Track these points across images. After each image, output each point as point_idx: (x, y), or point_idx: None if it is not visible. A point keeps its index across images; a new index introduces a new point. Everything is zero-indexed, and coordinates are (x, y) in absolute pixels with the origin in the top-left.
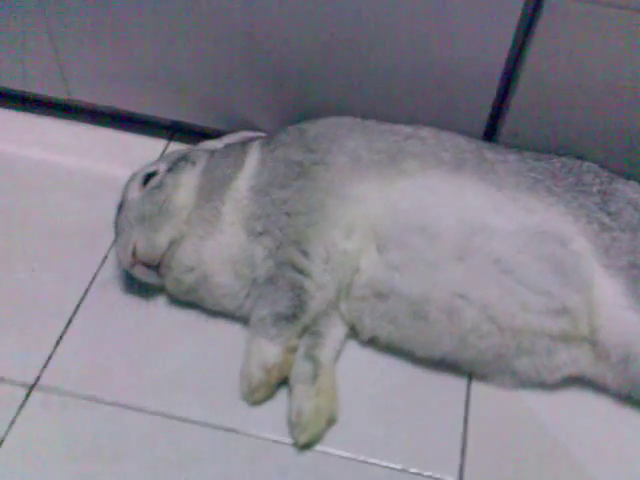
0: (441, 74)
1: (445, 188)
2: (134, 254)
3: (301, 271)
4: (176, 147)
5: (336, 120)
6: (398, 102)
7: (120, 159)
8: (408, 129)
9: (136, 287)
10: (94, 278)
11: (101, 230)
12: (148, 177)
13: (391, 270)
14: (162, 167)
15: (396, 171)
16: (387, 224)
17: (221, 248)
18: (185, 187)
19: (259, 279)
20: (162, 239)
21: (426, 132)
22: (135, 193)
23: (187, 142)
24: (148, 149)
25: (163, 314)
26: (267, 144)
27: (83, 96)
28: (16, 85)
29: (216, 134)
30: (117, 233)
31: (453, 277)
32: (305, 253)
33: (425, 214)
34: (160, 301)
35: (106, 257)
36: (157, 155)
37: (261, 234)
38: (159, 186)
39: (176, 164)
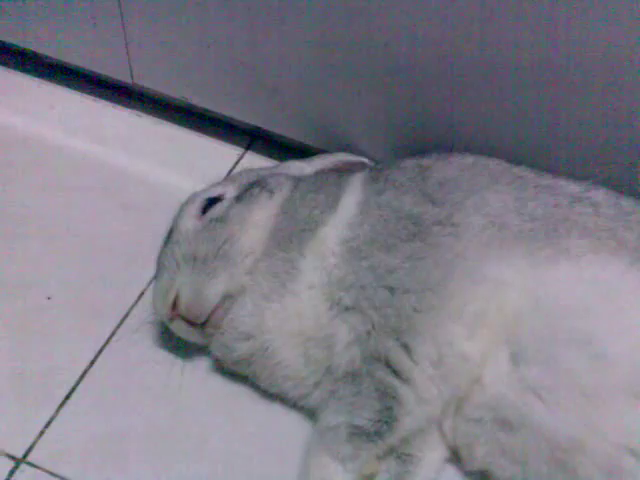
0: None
1: (627, 288)
2: (175, 305)
3: (398, 373)
4: (253, 160)
5: (475, 161)
6: (561, 146)
7: (182, 164)
8: (575, 187)
9: (174, 341)
10: (123, 319)
11: (144, 253)
12: (210, 203)
13: (529, 392)
14: (230, 191)
15: (554, 249)
16: (532, 325)
17: (291, 316)
18: (256, 225)
19: (337, 370)
20: (215, 290)
21: (601, 196)
22: (190, 222)
23: (267, 155)
24: (218, 156)
25: (201, 384)
26: (373, 181)
27: (148, 83)
28: (83, 63)
29: (303, 151)
30: (158, 270)
31: (624, 423)
32: (408, 349)
33: (593, 321)
34: (201, 364)
35: (143, 293)
36: (229, 166)
37: (349, 310)
38: (222, 219)
39: (248, 191)
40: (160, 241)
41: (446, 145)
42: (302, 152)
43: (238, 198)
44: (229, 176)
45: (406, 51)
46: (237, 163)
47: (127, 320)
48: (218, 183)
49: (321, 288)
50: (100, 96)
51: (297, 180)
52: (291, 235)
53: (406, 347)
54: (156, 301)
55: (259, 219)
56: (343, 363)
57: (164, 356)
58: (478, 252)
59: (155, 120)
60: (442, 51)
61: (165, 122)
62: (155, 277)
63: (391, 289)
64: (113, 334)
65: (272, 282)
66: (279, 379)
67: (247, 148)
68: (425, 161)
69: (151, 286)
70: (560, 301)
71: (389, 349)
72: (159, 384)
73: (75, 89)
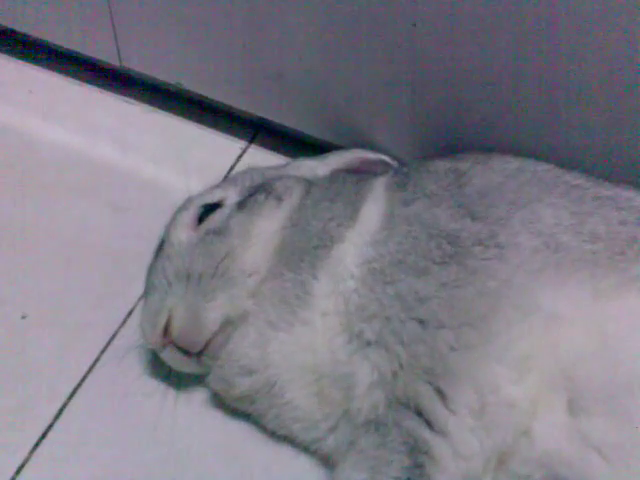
0: None
1: None
2: (167, 330)
3: (431, 424)
4: (257, 155)
5: (520, 166)
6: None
7: (178, 159)
8: None
9: (166, 369)
10: (109, 342)
11: (134, 264)
12: (207, 210)
13: (589, 449)
14: (231, 196)
15: (622, 277)
16: (594, 368)
17: (301, 349)
18: (260, 239)
19: (356, 416)
20: (213, 315)
21: None
22: (184, 233)
23: (273, 149)
24: (219, 150)
25: (197, 420)
26: (399, 188)
27: (137, 66)
28: (65, 42)
29: (314, 146)
30: (147, 289)
31: None
32: (443, 395)
33: None
34: (197, 396)
35: (132, 311)
36: (230, 161)
37: (371, 345)
38: (221, 230)
39: (252, 197)
40: (151, 249)
41: (480, 142)
42: (313, 147)
43: (240, 205)
44: (230, 177)
45: (437, 31)
46: (240, 158)
47: (113, 343)
48: (217, 186)
49: (337, 317)
50: (85, 80)
51: (309, 184)
52: (302, 252)
53: (441, 392)
54: (144, 325)
55: (264, 231)
56: (364, 408)
57: (155, 386)
58: (528, 279)
59: (147, 108)
60: (482, 30)
61: (158, 110)
62: (144, 296)
63: (422, 322)
64: (97, 360)
65: (279, 308)
66: (287, 421)
67: (251, 141)
68: (461, 165)
69: (142, 303)
70: (629, 340)
71: (420, 394)
72: (149, 420)
73: (57, 72)
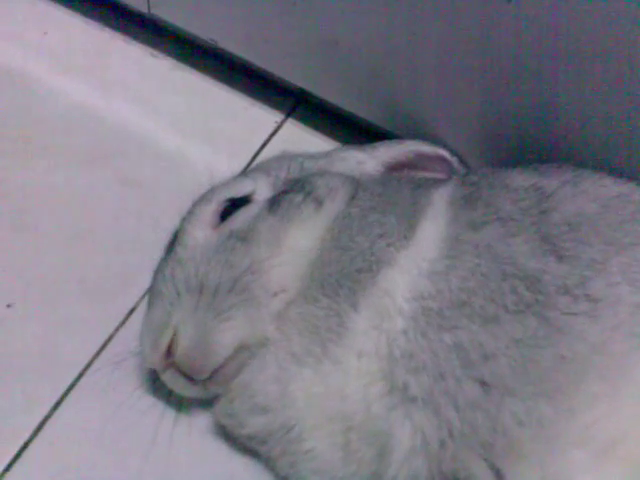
0: None
1: None
2: (170, 350)
3: None
4: (295, 132)
5: (622, 193)
6: None
7: (202, 127)
8: None
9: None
10: (105, 345)
11: (144, 251)
12: (233, 205)
13: None
14: (262, 190)
15: None
16: None
17: (329, 392)
18: (293, 252)
19: None
20: (226, 339)
21: None
22: (201, 231)
23: (313, 126)
24: (252, 122)
25: (199, 444)
26: (466, 205)
27: (167, 15)
28: None
29: (359, 127)
30: (152, 296)
31: None
32: (501, 477)
33: None
34: (199, 421)
35: (135, 309)
36: (264, 136)
37: (417, 402)
38: (247, 236)
39: (287, 196)
40: (166, 236)
41: (563, 155)
42: (358, 129)
43: (272, 204)
44: (262, 163)
45: (539, 11)
46: (274, 134)
47: (109, 346)
48: (245, 175)
49: (377, 360)
50: (108, 25)
51: (356, 185)
52: (342, 275)
53: (498, 474)
54: (144, 342)
55: (299, 243)
56: (400, 478)
57: (152, 403)
58: (626, 347)
59: (173, 63)
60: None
61: (187, 69)
62: (148, 302)
63: (485, 385)
64: (88, 365)
65: (308, 339)
66: (304, 471)
67: (288, 115)
68: (546, 182)
69: (146, 300)
70: None
71: (472, 473)
72: (142, 444)
73: (78, 12)
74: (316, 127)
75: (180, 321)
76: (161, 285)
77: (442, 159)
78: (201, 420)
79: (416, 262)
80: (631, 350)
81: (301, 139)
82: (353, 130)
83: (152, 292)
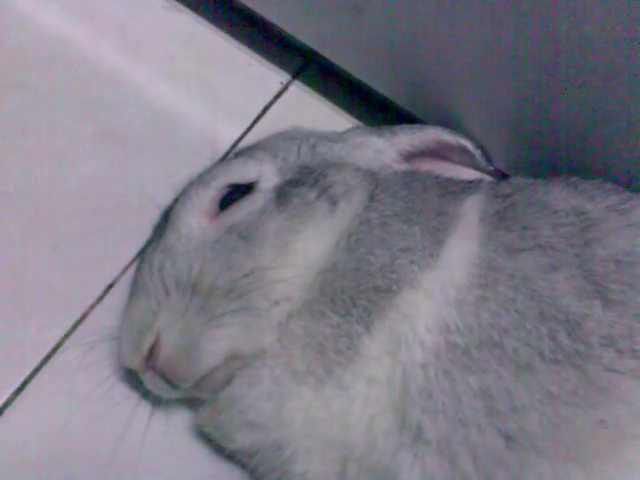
0: None
1: None
2: (152, 352)
3: None
4: (301, 96)
5: None
6: None
7: (199, 81)
8: None
9: None
10: (77, 324)
11: (126, 220)
12: (233, 192)
13: None
14: (268, 175)
15: None
16: None
17: (329, 417)
18: (302, 258)
19: None
20: (216, 347)
21: None
22: (195, 220)
23: (320, 92)
24: (254, 80)
25: (171, 446)
26: (500, 223)
27: None
28: None
29: (370, 98)
30: (135, 289)
31: None
32: None
33: None
34: (178, 418)
35: (113, 285)
36: (267, 99)
37: (429, 444)
38: (249, 235)
39: (298, 190)
40: (155, 210)
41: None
42: (368, 99)
43: (280, 197)
44: (269, 140)
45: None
46: (278, 96)
47: (82, 325)
48: (249, 155)
49: (388, 392)
50: None
51: (374, 183)
52: (357, 291)
53: None
54: (124, 339)
55: (308, 247)
56: None
57: (126, 394)
58: None
59: (172, 2)
60: None
61: (186, 10)
62: (130, 294)
63: (510, 439)
64: (57, 347)
65: (311, 357)
66: None
67: (295, 77)
68: (589, 207)
69: (127, 275)
70: None
71: None
72: (113, 435)
73: None
74: (324, 93)
75: (166, 324)
76: (147, 277)
77: (464, 150)
78: (180, 416)
79: (442, 287)
80: None
81: (307, 104)
82: (363, 100)
83: (137, 282)
